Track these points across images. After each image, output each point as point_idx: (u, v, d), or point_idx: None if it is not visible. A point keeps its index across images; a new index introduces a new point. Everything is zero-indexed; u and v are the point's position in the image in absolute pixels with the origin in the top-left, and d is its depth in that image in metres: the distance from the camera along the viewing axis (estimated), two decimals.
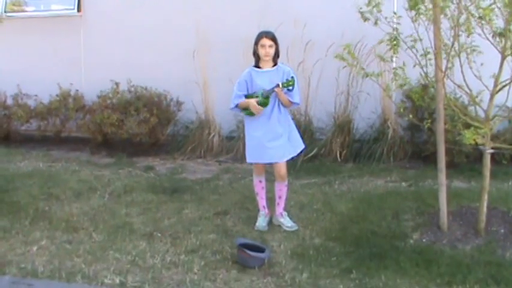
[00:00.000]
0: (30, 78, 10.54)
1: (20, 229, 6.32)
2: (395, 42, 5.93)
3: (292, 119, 6.61)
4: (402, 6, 5.89)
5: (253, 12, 8.92)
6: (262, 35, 6.12)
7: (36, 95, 10.52)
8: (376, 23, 5.94)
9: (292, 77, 6.04)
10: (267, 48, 6.07)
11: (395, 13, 5.87)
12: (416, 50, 5.81)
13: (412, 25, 5.77)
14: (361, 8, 5.88)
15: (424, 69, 5.85)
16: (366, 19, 5.97)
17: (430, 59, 5.80)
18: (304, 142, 6.49)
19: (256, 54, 6.19)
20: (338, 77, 8.62)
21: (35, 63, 10.82)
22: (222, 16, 9.53)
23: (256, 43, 6.14)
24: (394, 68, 6.07)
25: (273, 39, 6.11)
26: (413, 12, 5.70)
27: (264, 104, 6.06)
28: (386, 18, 5.90)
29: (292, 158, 6.39)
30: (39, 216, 6.69)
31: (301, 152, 6.51)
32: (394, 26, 5.97)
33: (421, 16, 5.68)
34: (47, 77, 10.41)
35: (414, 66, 5.89)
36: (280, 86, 5.94)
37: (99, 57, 10.44)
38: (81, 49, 10.73)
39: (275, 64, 6.20)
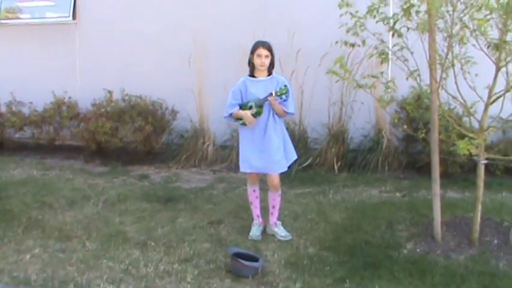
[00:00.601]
0: (24, 85, 10.53)
1: (12, 237, 6.30)
2: (384, 56, 5.94)
3: (287, 128, 6.60)
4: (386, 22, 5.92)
5: (249, 21, 8.93)
6: (259, 44, 6.13)
7: (30, 103, 10.51)
8: (363, 43, 5.97)
9: (285, 86, 6.05)
10: (263, 58, 6.08)
11: (389, 20, 5.87)
12: (408, 61, 5.83)
13: (406, 36, 5.79)
14: (348, 30, 5.91)
15: (418, 80, 5.86)
16: (352, 45, 6.02)
17: (419, 75, 5.83)
18: (297, 152, 6.50)
19: (251, 64, 6.20)
20: (331, 87, 8.62)
21: (30, 70, 10.81)
22: (218, 25, 9.53)
23: (252, 52, 6.15)
24: (385, 83, 6.07)
25: (269, 49, 6.12)
26: (403, 28, 5.74)
27: (258, 113, 6.07)
28: (374, 34, 5.91)
29: (289, 167, 6.40)
30: (32, 224, 6.67)
31: (294, 161, 6.51)
32: (382, 39, 5.99)
33: (412, 30, 5.71)
34: (42, 85, 10.39)
35: (407, 78, 5.91)
36: (274, 94, 5.95)
37: (94, 65, 10.44)
38: (76, 57, 10.73)
39: (270, 74, 6.21)
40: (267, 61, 6.11)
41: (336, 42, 6.09)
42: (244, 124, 6.17)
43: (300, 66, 8.94)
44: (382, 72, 6.13)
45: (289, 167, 6.42)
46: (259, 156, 6.16)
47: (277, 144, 6.17)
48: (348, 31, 5.90)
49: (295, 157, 6.41)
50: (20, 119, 10.36)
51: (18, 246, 6.08)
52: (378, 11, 5.80)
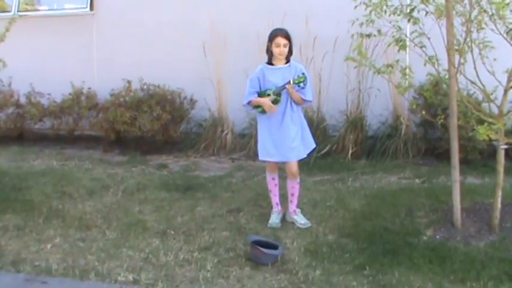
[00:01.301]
0: (43, 76, 10.58)
1: (33, 227, 6.35)
2: (401, 43, 5.91)
3: (305, 116, 6.59)
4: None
5: (266, 9, 8.90)
6: (277, 33, 6.09)
7: (49, 94, 10.55)
8: (379, 33, 5.93)
9: (303, 74, 6.04)
10: (281, 47, 6.05)
11: (400, 11, 5.83)
12: (425, 47, 5.79)
13: (422, 21, 5.75)
14: (362, 24, 5.87)
15: (436, 66, 5.83)
16: (368, 36, 5.98)
17: (438, 60, 5.79)
18: (315, 140, 6.49)
19: (269, 52, 6.18)
20: (348, 73, 8.59)
21: (48, 62, 10.86)
22: (235, 13, 9.52)
23: (271, 41, 6.12)
24: (401, 70, 6.04)
25: (288, 37, 6.09)
26: (421, 12, 5.70)
27: (276, 101, 6.06)
28: (391, 22, 5.87)
29: (308, 155, 6.39)
30: (53, 214, 6.72)
31: (312, 150, 6.50)
32: (399, 26, 5.94)
33: (431, 13, 5.67)
34: (60, 76, 10.44)
35: (425, 64, 5.87)
36: (292, 82, 5.93)
37: (111, 55, 10.47)
38: (94, 47, 10.76)
39: (288, 61, 6.19)
40: (286, 50, 6.09)
41: (352, 35, 6.06)
42: (262, 112, 6.17)
43: (318, 53, 8.90)
44: (398, 60, 6.09)
45: (308, 155, 6.42)
46: (277, 144, 6.15)
47: (295, 132, 6.16)
48: (361, 25, 5.86)
49: (313, 146, 6.40)
50: (39, 110, 10.40)
51: (39, 236, 6.12)
52: (387, 5, 5.77)
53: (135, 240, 5.94)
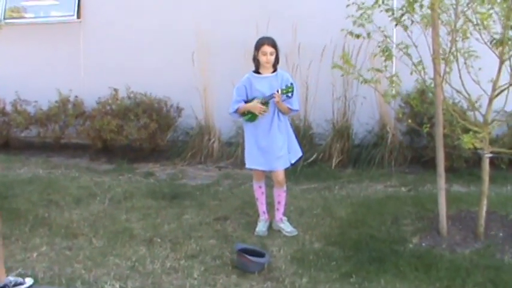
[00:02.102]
0: (29, 84, 10.53)
1: (19, 235, 6.33)
2: (387, 52, 5.94)
3: (291, 124, 6.61)
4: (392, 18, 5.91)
5: (252, 17, 8.92)
6: (263, 42, 6.11)
7: (35, 101, 10.50)
8: (368, 36, 5.96)
9: (291, 84, 6.06)
10: (268, 56, 6.07)
11: (395, 12, 5.87)
12: (411, 57, 5.83)
13: (410, 29, 5.79)
14: (355, 22, 5.89)
15: (422, 74, 5.87)
16: (357, 36, 6.00)
17: (425, 68, 5.83)
18: (302, 149, 6.52)
19: (256, 60, 6.20)
20: (334, 82, 8.62)
21: (34, 69, 10.81)
22: (221, 21, 9.53)
23: (257, 49, 6.14)
24: (389, 77, 6.07)
25: (274, 45, 6.11)
26: (407, 21, 5.74)
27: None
28: (380, 28, 5.90)
29: (291, 164, 6.41)
30: (39, 222, 6.70)
31: (299, 158, 6.53)
32: (385, 35, 5.97)
33: (416, 23, 5.71)
34: (47, 84, 10.40)
35: (411, 73, 5.91)
36: (279, 92, 5.95)
37: (98, 63, 10.43)
38: (81, 55, 10.74)
39: (275, 70, 6.21)
40: (272, 58, 6.11)
41: (342, 29, 6.06)
42: (249, 120, 6.18)
43: (304, 61, 8.93)
44: (386, 66, 6.13)
45: (294, 164, 6.44)
46: (264, 153, 6.17)
47: (282, 141, 6.19)
48: (354, 23, 5.88)
49: (299, 154, 6.42)
50: (26, 117, 10.34)
51: (25, 245, 6.11)
52: (383, 2, 5.79)
53: (122, 248, 5.94)
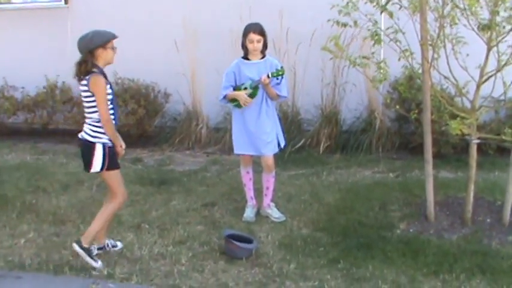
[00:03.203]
0: (16, 70, 10.48)
1: (6, 222, 6.31)
2: (377, 37, 5.93)
3: (279, 110, 6.61)
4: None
5: (240, 3, 8.88)
6: (250, 29, 6.10)
7: (23, 88, 10.46)
8: (355, 24, 5.94)
9: (281, 67, 6.06)
10: (255, 44, 6.06)
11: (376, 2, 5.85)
12: (400, 42, 5.83)
13: (397, 15, 5.78)
14: (340, 11, 5.87)
15: (410, 60, 5.87)
16: (344, 25, 5.98)
17: (413, 53, 5.83)
18: (287, 137, 6.52)
19: (244, 47, 6.18)
20: (324, 68, 8.62)
21: (22, 55, 10.75)
22: (209, 7, 9.50)
23: (244, 36, 6.12)
24: (377, 62, 6.07)
25: (261, 32, 6.09)
26: (393, 6, 5.73)
27: (253, 95, 6.08)
28: (366, 15, 5.89)
29: (280, 150, 6.41)
30: (26, 209, 6.68)
31: (284, 146, 6.54)
32: (374, 19, 5.96)
33: (404, 8, 5.70)
34: (34, 69, 10.34)
35: (399, 59, 5.91)
36: (270, 75, 5.94)
37: None
38: (68, 41, 10.63)
39: (263, 56, 6.20)
40: (260, 45, 6.09)
41: (328, 20, 6.05)
42: (238, 106, 6.17)
43: (291, 47, 8.91)
44: (373, 53, 6.13)
45: (281, 149, 6.46)
46: (252, 138, 6.17)
47: (270, 127, 6.20)
48: (340, 13, 5.87)
49: (283, 143, 6.42)
50: (13, 103, 10.31)
51: (12, 231, 6.09)
52: None
53: (110, 234, 5.90)
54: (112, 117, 5.22)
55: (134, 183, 7.53)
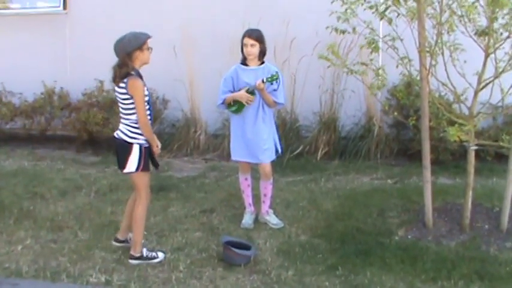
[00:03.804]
0: (14, 76, 10.45)
1: (4, 228, 6.30)
2: (374, 45, 5.93)
3: (278, 117, 6.62)
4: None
5: (239, 9, 8.90)
6: (245, 34, 6.13)
7: (20, 93, 10.43)
8: (354, 31, 5.94)
9: (276, 72, 6.05)
10: (248, 48, 6.06)
11: (379, 7, 5.85)
12: (398, 50, 5.83)
13: (395, 22, 5.79)
14: (339, 17, 5.87)
15: (408, 67, 5.87)
16: (343, 32, 5.98)
17: (411, 60, 5.83)
18: (281, 145, 6.54)
19: (242, 51, 6.20)
20: (323, 75, 8.63)
21: (20, 61, 10.73)
22: (208, 13, 9.50)
23: (242, 41, 6.15)
24: (375, 69, 6.08)
25: (257, 38, 6.08)
26: (392, 14, 5.73)
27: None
28: (365, 22, 5.89)
29: (277, 156, 6.42)
30: (24, 215, 6.67)
31: (281, 153, 6.56)
32: (371, 27, 5.96)
33: (402, 15, 5.71)
34: (32, 75, 10.33)
35: (397, 66, 5.91)
36: (265, 80, 5.94)
37: (84, 54, 10.37)
38: (67, 47, 10.67)
39: (262, 63, 6.20)
40: (254, 50, 6.09)
41: (327, 27, 6.06)
42: (235, 112, 6.17)
43: (293, 55, 8.91)
44: (372, 59, 6.13)
45: (277, 157, 6.46)
46: (249, 145, 6.17)
47: (267, 133, 6.20)
48: (338, 19, 5.87)
49: (279, 151, 6.43)
50: (11, 109, 10.27)
51: (9, 238, 6.08)
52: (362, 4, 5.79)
53: (108, 241, 5.91)
54: (148, 117, 5.34)
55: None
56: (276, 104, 6.23)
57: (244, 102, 6.08)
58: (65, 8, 10.65)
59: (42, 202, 7.13)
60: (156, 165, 5.65)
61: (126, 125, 5.35)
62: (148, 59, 5.54)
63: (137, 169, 5.35)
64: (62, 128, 10.37)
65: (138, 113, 5.25)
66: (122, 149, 5.37)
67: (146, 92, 5.35)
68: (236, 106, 6.13)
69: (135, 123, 5.30)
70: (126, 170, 5.39)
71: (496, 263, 5.18)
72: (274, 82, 6.01)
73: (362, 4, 5.77)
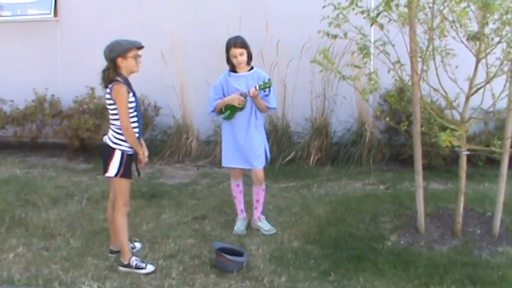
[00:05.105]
0: (5, 83, 10.45)
1: None
2: (365, 51, 5.94)
3: (269, 123, 6.62)
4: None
5: (230, 16, 8.90)
6: (230, 45, 6.09)
7: (12, 101, 10.40)
8: (345, 36, 5.94)
9: (269, 79, 6.06)
10: (238, 58, 6.05)
11: (370, 12, 5.86)
12: (389, 55, 5.84)
13: (386, 28, 5.79)
14: (331, 23, 5.87)
15: (399, 72, 5.88)
16: (334, 37, 5.98)
17: (403, 65, 5.84)
18: (271, 153, 6.54)
19: (229, 62, 6.18)
20: (313, 80, 8.65)
21: (11, 68, 10.72)
22: (199, 20, 9.51)
23: (227, 52, 6.12)
24: (367, 74, 6.08)
25: (242, 45, 6.07)
26: (383, 19, 5.74)
27: (241, 107, 6.07)
28: (356, 27, 5.90)
29: (267, 163, 6.42)
30: (16, 223, 6.64)
31: (270, 159, 6.57)
32: (363, 33, 5.97)
33: (394, 21, 5.72)
34: (23, 82, 10.31)
35: (389, 71, 5.92)
36: (257, 88, 5.94)
37: (75, 61, 10.35)
38: (58, 54, 10.67)
39: (251, 68, 6.20)
40: (243, 58, 6.08)
41: (318, 31, 6.06)
42: (227, 118, 6.17)
43: (282, 60, 8.93)
44: (365, 63, 6.13)
45: (267, 163, 6.47)
46: (242, 151, 6.17)
47: (259, 140, 6.20)
48: (330, 24, 5.87)
49: (268, 157, 6.43)
50: (2, 117, 10.24)
51: (1, 246, 6.05)
52: (357, 4, 5.78)
53: (100, 248, 5.90)
54: (135, 125, 5.39)
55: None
56: (268, 109, 6.23)
57: (236, 104, 6.06)
58: (55, 15, 10.65)
59: (34, 210, 7.10)
60: (138, 172, 5.70)
61: (112, 130, 5.42)
62: (135, 67, 5.56)
63: (116, 174, 5.36)
64: (53, 136, 10.35)
65: (120, 119, 5.29)
66: (105, 153, 5.43)
67: (132, 99, 5.35)
68: (228, 112, 6.12)
69: (119, 128, 5.34)
70: (107, 174, 5.43)
71: (488, 268, 5.18)
72: (267, 90, 6.02)
73: (353, 9, 5.77)
